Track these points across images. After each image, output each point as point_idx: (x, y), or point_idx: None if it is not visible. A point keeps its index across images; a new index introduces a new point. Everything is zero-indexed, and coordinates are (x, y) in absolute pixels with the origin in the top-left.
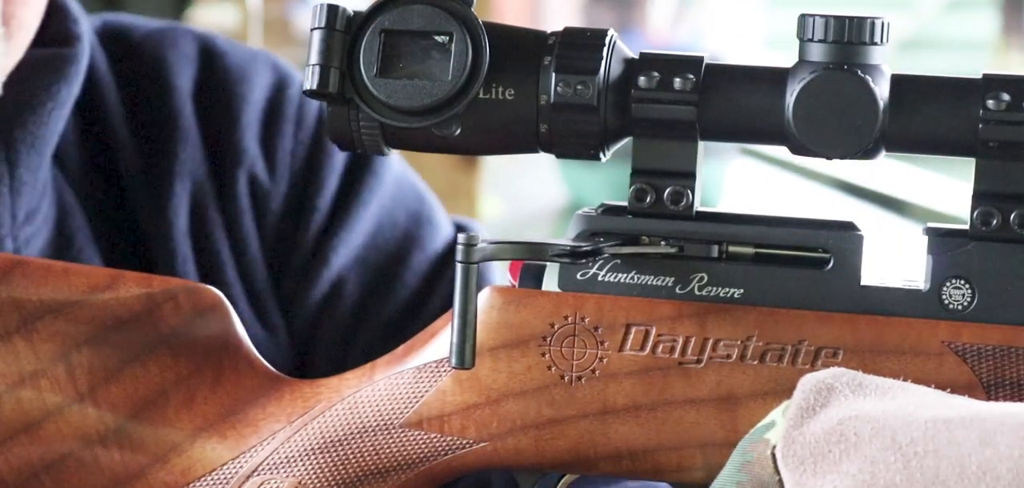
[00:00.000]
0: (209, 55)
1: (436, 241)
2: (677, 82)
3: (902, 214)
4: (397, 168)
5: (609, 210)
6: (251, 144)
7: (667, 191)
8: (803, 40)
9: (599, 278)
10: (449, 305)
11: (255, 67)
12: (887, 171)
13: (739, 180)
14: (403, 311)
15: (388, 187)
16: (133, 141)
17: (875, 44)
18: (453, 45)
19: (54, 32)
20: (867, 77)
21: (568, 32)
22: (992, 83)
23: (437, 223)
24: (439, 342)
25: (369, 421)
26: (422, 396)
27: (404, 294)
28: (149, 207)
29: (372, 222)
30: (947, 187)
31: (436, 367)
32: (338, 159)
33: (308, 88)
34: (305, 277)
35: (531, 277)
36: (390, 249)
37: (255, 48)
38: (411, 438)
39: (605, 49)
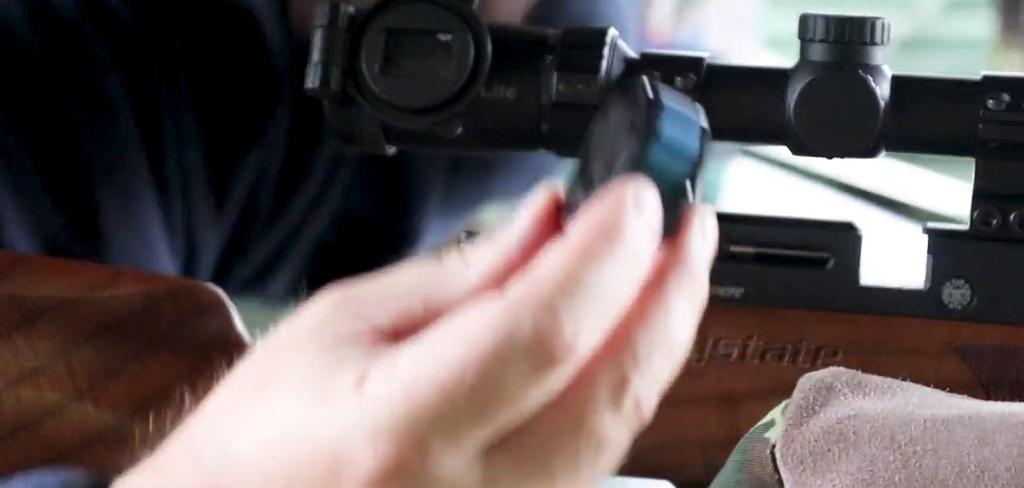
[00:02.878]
0: None
1: None
2: (678, 81)
3: (902, 214)
4: None
5: None
6: None
7: None
8: (804, 40)
9: None
10: None
11: None
12: (887, 171)
13: (739, 180)
14: None
15: None
16: None
17: (876, 44)
18: (455, 44)
19: None
20: (868, 77)
21: (569, 31)
22: (992, 83)
23: None
24: None
25: None
26: None
27: None
28: None
29: None
30: (947, 187)
31: None
32: None
33: (310, 86)
34: None
35: None
36: None
37: None
38: None
39: (606, 48)
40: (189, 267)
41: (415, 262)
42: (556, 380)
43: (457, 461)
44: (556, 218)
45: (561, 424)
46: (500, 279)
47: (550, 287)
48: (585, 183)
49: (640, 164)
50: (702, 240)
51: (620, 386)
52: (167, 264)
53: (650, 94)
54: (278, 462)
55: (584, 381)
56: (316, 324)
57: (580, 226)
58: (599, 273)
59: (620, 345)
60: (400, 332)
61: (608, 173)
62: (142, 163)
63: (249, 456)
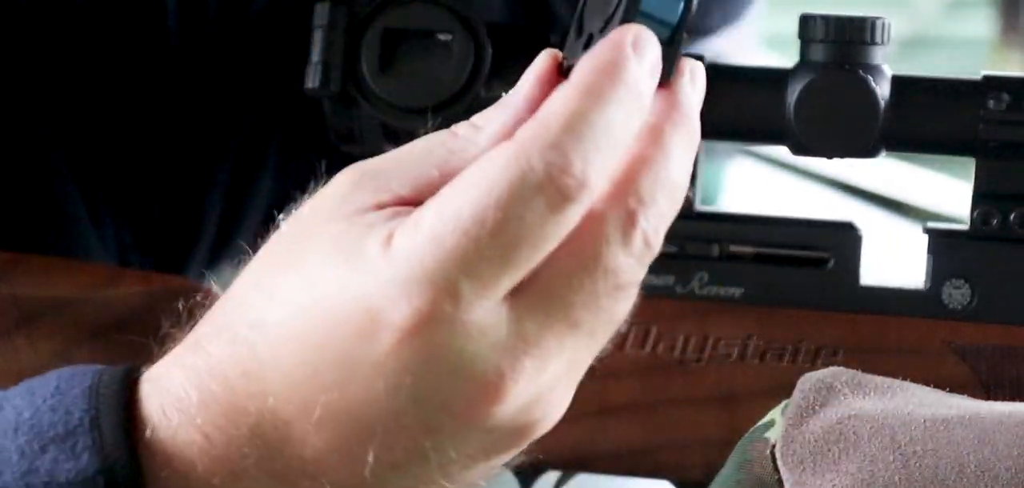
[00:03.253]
0: None
1: None
2: None
3: (902, 214)
4: None
5: None
6: None
7: None
8: (804, 40)
9: None
10: None
11: None
12: (887, 171)
13: (739, 180)
14: None
15: None
16: None
17: (876, 44)
18: (455, 44)
19: None
20: (868, 77)
21: (569, 32)
22: (992, 83)
23: None
24: None
25: None
26: None
27: None
28: None
29: None
30: (947, 187)
31: None
32: None
33: (310, 86)
34: None
35: None
36: None
37: None
38: None
39: None
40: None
41: (426, 136)
42: (571, 216)
43: (486, 305)
44: (557, 78)
45: (578, 264)
46: (510, 137)
47: (557, 126)
48: (583, 40)
49: (634, 12)
50: (692, 87)
51: (629, 224)
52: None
53: None
54: (313, 325)
55: (595, 222)
56: (339, 198)
57: (582, 67)
58: (603, 111)
59: (625, 187)
60: (420, 199)
61: (604, 26)
62: (82, 210)
63: (284, 323)
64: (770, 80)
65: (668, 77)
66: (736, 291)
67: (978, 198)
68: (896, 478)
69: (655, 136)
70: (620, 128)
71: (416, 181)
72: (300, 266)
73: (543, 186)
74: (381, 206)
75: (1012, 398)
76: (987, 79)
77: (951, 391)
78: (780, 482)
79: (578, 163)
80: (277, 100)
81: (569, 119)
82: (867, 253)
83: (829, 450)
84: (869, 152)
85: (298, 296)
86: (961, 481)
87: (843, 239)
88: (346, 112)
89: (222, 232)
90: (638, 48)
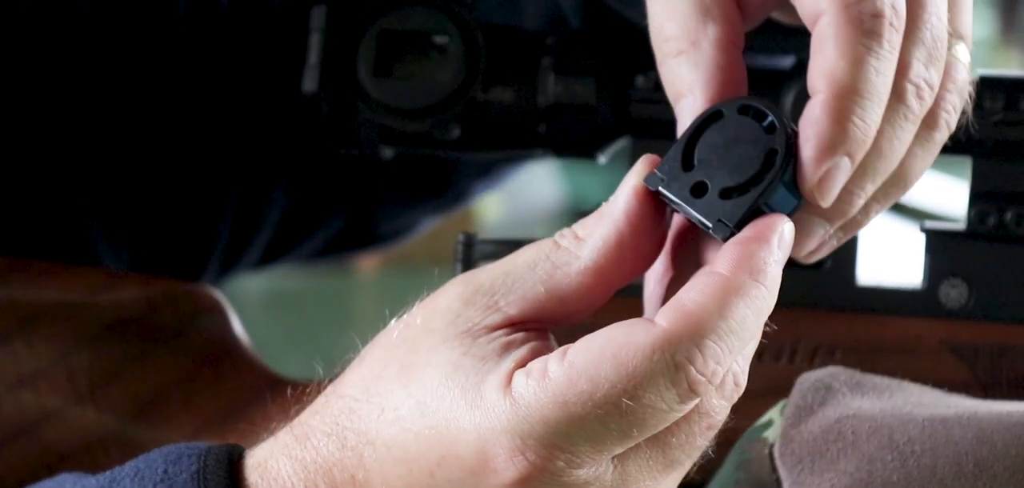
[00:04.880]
0: None
1: None
2: None
3: (899, 214)
4: None
5: None
6: None
7: None
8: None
9: None
10: None
11: None
12: None
13: None
14: None
15: None
16: None
17: None
18: (451, 46)
19: None
20: None
21: (566, 34)
22: (988, 83)
23: None
24: None
25: None
26: None
27: None
28: None
29: None
30: (944, 186)
31: None
32: None
33: (308, 89)
34: None
35: None
36: None
37: None
38: None
39: (603, 50)
40: None
41: (532, 244)
42: (693, 404)
43: (597, 464)
44: (652, 198)
45: (679, 418)
46: (613, 257)
47: (704, 327)
48: (693, 178)
49: (774, 192)
50: (780, 249)
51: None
52: None
53: (790, 128)
54: (423, 448)
55: None
56: (451, 316)
57: (731, 262)
58: (742, 312)
59: None
60: (528, 318)
61: (738, 192)
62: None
63: (394, 443)
64: (769, 80)
65: None
66: None
67: (975, 197)
68: (894, 477)
69: None
70: (752, 327)
71: (523, 300)
72: (411, 385)
73: (678, 382)
74: (492, 328)
75: (1009, 397)
76: (983, 79)
77: (949, 390)
78: (778, 481)
79: (712, 364)
80: (289, 112)
81: (713, 321)
82: (864, 252)
83: (827, 449)
84: None
85: (409, 415)
86: (959, 480)
87: None
88: (343, 115)
89: (234, 246)
90: (782, 246)
